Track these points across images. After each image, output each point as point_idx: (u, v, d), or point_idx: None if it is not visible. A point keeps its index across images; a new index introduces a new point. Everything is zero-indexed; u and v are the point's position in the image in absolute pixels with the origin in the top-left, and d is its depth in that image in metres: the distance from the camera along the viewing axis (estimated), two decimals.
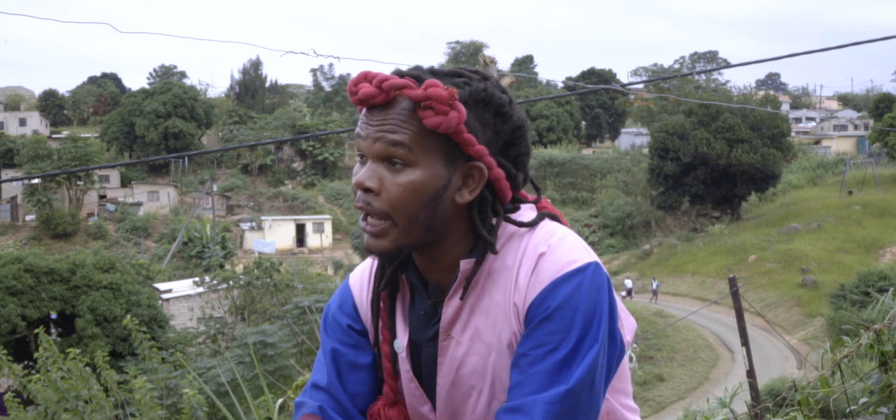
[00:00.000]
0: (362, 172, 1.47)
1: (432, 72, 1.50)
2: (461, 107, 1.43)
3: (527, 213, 1.56)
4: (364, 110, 1.49)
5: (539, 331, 1.44)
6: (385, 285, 1.60)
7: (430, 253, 1.53)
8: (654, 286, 38.76)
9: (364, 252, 1.51)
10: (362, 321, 1.67)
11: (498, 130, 1.50)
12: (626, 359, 1.60)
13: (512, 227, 1.52)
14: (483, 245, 1.50)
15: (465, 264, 1.50)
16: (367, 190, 1.46)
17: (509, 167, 1.52)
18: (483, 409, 1.54)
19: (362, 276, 1.69)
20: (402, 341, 1.60)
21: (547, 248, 1.47)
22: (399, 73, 1.47)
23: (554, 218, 1.57)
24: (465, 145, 1.45)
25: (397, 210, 1.45)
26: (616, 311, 1.49)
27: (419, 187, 1.44)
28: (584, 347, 1.43)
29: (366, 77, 1.46)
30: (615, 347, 1.49)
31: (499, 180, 1.49)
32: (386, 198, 1.45)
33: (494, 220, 1.51)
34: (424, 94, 1.42)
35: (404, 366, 1.61)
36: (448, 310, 1.53)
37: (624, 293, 37.98)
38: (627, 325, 1.56)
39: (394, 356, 1.62)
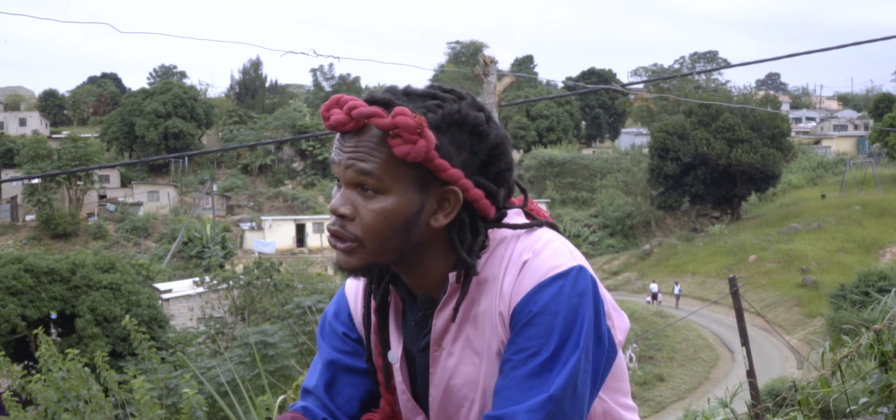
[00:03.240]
0: (336, 198, 1.48)
1: (407, 93, 1.49)
2: (430, 134, 1.42)
3: (512, 217, 1.55)
4: (338, 134, 1.49)
5: (520, 336, 1.44)
6: (377, 302, 1.61)
7: (412, 271, 1.53)
8: (677, 290, 38.28)
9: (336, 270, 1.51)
10: (357, 330, 1.68)
11: (474, 151, 1.49)
12: (622, 358, 1.59)
13: (500, 234, 1.52)
14: (466, 266, 1.50)
15: (455, 278, 1.50)
16: (341, 216, 1.47)
17: (489, 186, 1.51)
18: (475, 419, 1.55)
19: (358, 285, 1.69)
20: (396, 352, 1.61)
21: (531, 254, 1.47)
22: (370, 99, 1.46)
23: (544, 224, 1.56)
24: (438, 171, 1.44)
25: (369, 235, 1.46)
26: (602, 312, 1.49)
27: (390, 214, 1.45)
28: (565, 352, 1.42)
29: (337, 102, 1.46)
30: (603, 349, 1.49)
31: (477, 201, 1.48)
32: (359, 223, 1.46)
33: (474, 240, 1.50)
34: (392, 123, 1.41)
35: (398, 377, 1.62)
36: (438, 321, 1.53)
37: (649, 298, 37.81)
38: (619, 325, 1.55)
39: (388, 368, 1.62)
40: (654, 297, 38.02)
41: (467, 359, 1.53)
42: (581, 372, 1.44)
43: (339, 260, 1.50)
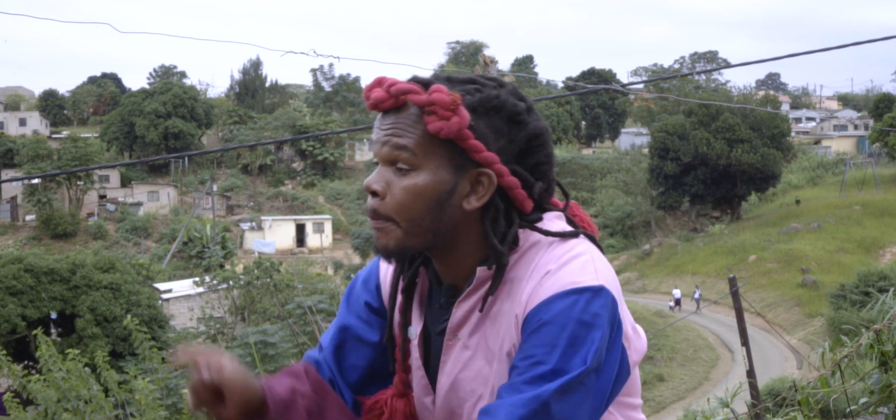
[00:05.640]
0: (371, 176, 1.50)
1: (448, 79, 1.50)
2: (464, 112, 1.43)
3: (552, 221, 1.53)
4: (379, 115, 1.51)
5: (527, 343, 1.44)
6: (405, 283, 1.62)
7: (444, 258, 1.54)
8: (697, 295, 37.29)
9: (373, 251, 1.55)
10: (382, 301, 1.69)
11: (512, 138, 1.49)
12: (636, 374, 1.59)
13: (534, 238, 1.51)
14: (497, 254, 1.49)
15: (483, 271, 1.49)
16: (373, 192, 1.49)
17: (525, 176, 1.50)
18: None
19: None
20: (415, 329, 1.62)
21: (556, 265, 1.45)
22: (411, 79, 1.48)
23: (578, 233, 1.53)
24: (472, 152, 1.45)
25: (401, 213, 1.47)
26: (619, 335, 1.47)
27: (421, 191, 1.45)
28: (567, 366, 1.40)
29: (379, 82, 1.48)
30: (612, 372, 1.47)
31: (513, 189, 1.48)
32: (390, 201, 1.47)
33: (508, 229, 1.49)
34: (428, 99, 1.43)
35: (415, 353, 1.62)
36: (458, 312, 1.53)
37: (672, 303, 37.30)
38: (636, 346, 1.54)
39: (405, 346, 1.63)
40: (678, 302, 37.08)
41: (481, 354, 1.53)
42: (577, 384, 1.41)
43: (375, 241, 1.52)
